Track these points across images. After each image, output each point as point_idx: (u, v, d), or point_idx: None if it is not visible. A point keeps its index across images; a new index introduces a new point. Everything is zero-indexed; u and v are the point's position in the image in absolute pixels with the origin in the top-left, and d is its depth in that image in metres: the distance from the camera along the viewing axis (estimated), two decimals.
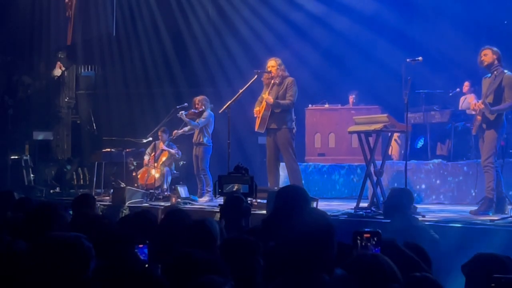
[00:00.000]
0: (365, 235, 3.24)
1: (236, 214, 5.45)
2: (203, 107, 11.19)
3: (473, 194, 9.50)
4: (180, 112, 11.27)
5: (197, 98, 11.32)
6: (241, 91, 9.81)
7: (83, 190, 12.74)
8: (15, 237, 3.74)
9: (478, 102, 8.04)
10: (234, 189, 7.94)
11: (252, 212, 7.75)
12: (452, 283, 3.72)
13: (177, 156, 12.47)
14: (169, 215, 4.70)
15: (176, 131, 11.70)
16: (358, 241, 3.23)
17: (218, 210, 6.52)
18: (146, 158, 12.52)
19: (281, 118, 9.46)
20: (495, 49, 7.92)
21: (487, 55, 7.88)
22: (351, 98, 12.65)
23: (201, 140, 11.12)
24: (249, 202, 7.58)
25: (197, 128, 11.13)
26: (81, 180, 14.70)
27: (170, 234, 4.19)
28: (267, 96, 9.50)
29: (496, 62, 7.85)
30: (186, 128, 11.50)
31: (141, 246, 3.68)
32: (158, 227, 4.51)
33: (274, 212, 3.74)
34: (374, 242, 3.21)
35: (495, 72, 7.84)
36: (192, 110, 11.23)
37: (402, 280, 2.73)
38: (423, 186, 10.20)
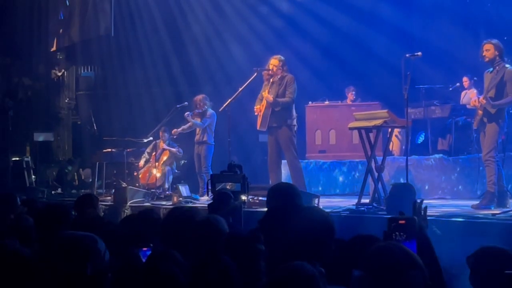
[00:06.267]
0: (400, 222, 3.07)
1: (223, 211, 5.38)
2: (205, 106, 11.29)
3: (475, 188, 9.50)
4: (186, 113, 11.40)
5: (198, 98, 11.38)
6: (240, 89, 9.82)
7: (84, 191, 12.75)
8: (24, 240, 3.73)
9: (479, 97, 8.05)
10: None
11: (253, 209, 7.82)
12: (455, 277, 3.73)
13: (178, 154, 12.48)
14: (172, 214, 4.67)
15: (175, 130, 11.80)
16: (392, 230, 3.05)
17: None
18: (141, 162, 12.53)
19: (282, 116, 9.46)
20: (497, 43, 7.91)
21: (489, 50, 7.87)
22: (350, 95, 12.65)
23: (204, 139, 11.17)
24: (245, 200, 7.63)
25: (202, 127, 11.20)
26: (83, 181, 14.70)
27: (174, 233, 4.16)
28: (266, 95, 9.49)
29: (498, 57, 7.85)
30: (185, 126, 11.62)
31: (145, 249, 3.64)
32: (161, 227, 4.49)
33: (268, 212, 3.70)
34: (407, 231, 3.03)
35: (497, 67, 7.85)
36: (196, 111, 11.36)
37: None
38: (424, 181, 10.19)
